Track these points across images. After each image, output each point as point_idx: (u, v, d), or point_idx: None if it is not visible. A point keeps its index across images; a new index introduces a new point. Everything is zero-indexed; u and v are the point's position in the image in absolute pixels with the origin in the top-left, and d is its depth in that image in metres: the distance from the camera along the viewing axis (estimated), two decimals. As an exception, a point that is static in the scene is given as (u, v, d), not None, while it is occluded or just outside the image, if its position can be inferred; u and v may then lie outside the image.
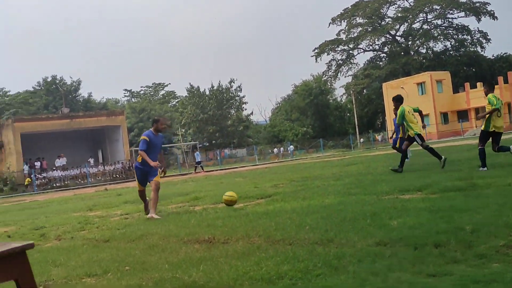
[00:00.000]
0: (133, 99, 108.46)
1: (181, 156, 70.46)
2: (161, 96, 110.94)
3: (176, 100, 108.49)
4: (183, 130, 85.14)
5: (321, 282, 4.12)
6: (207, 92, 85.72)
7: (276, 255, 5.17)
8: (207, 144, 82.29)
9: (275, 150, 77.76)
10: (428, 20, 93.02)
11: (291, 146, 74.18)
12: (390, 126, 72.45)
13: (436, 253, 4.54)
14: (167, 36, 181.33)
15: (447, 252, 4.54)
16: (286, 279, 4.33)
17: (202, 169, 46.54)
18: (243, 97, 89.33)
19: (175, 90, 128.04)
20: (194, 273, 4.85)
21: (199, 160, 48.27)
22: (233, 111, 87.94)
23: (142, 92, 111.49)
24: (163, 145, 11.54)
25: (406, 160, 14.91)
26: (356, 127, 79.38)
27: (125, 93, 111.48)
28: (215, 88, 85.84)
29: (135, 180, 11.38)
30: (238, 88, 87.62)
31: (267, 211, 8.87)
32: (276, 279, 4.36)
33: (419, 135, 13.97)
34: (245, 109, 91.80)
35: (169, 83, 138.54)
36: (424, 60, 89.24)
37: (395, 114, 15.34)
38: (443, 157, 13.17)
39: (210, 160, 74.57)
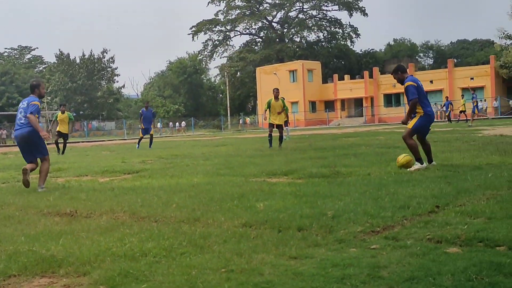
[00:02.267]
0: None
1: (45, 125, 67.48)
2: (26, 60, 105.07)
3: (43, 66, 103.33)
4: (49, 98, 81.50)
5: (185, 261, 4.08)
6: (78, 61, 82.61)
7: (141, 232, 5.08)
8: (74, 114, 79.41)
9: (177, 124, 76.25)
10: (304, 10, 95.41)
11: (183, 122, 73.23)
12: (261, 110, 73.77)
13: (299, 237, 4.65)
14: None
15: (309, 236, 4.65)
16: (149, 256, 4.26)
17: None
18: (116, 69, 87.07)
19: (43, 55, 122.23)
20: (53, 247, 4.65)
21: None
22: (104, 83, 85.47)
23: (5, 54, 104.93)
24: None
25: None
26: (228, 109, 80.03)
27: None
28: (86, 57, 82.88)
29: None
30: (110, 59, 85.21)
31: (134, 187, 8.71)
32: (140, 256, 4.28)
33: None
34: (117, 82, 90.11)
35: (37, 47, 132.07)
36: (297, 49, 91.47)
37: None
38: None
39: (76, 131, 72.06)
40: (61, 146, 21.86)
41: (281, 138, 17.98)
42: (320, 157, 12.78)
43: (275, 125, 17.82)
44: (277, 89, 18.16)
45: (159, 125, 75.02)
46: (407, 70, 10.29)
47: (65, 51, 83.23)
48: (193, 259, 4.12)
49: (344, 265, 3.77)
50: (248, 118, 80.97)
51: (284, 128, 23.36)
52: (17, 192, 8.75)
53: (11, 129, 54.36)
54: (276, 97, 17.85)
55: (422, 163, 9.29)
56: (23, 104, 9.31)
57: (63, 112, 21.99)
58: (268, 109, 17.74)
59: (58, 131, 21.98)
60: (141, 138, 24.63)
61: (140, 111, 24.67)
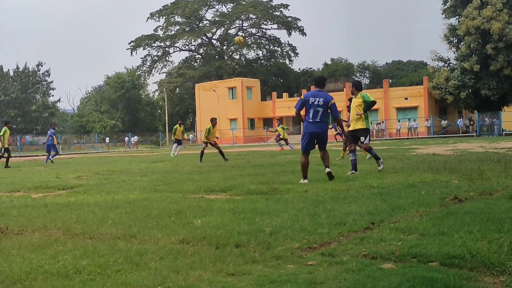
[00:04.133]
0: None
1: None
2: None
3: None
4: (-21, 111, 79.08)
5: (121, 278, 4.01)
6: (11, 73, 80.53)
7: (75, 249, 4.97)
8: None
9: (126, 139, 74.70)
10: (244, 27, 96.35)
11: (135, 137, 71.81)
12: (199, 126, 73.64)
13: (236, 253, 4.65)
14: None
15: (247, 253, 4.66)
16: (84, 274, 4.16)
17: None
18: (51, 82, 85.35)
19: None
20: (-18, 265, 4.48)
21: None
22: (39, 96, 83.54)
23: None
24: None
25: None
26: (166, 124, 79.48)
27: None
28: (20, 69, 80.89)
29: None
30: (46, 73, 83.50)
31: (68, 203, 8.52)
32: (73, 274, 4.17)
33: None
34: (52, 95, 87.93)
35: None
36: (236, 66, 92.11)
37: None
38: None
39: (9, 146, 69.82)
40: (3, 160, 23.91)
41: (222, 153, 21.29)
42: (258, 174, 12.82)
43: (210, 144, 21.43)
44: (215, 119, 21.52)
45: (107, 139, 73.90)
46: (317, 85, 10.73)
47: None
48: (129, 276, 4.06)
49: (281, 282, 3.79)
50: (191, 135, 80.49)
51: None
52: None
53: None
54: (214, 125, 21.26)
55: (304, 180, 10.26)
56: None
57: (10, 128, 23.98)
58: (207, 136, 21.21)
59: None
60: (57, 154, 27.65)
61: (52, 131, 27.81)
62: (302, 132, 10.63)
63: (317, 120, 10.30)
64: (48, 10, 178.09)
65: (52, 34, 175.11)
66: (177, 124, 29.98)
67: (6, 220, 6.85)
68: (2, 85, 78.09)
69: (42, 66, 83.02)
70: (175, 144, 30.00)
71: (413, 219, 5.85)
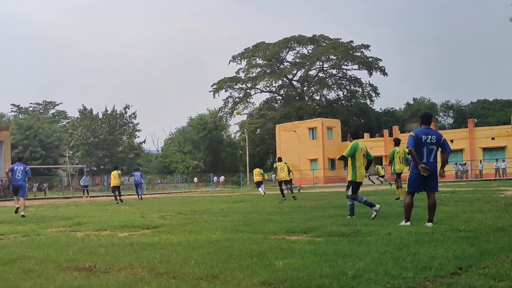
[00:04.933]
0: (20, 115, 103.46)
1: (66, 179, 68.10)
2: (51, 115, 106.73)
3: (66, 121, 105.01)
4: (71, 152, 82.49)
5: (204, 319, 4.04)
6: (100, 116, 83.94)
7: (159, 289, 5.04)
8: (95, 168, 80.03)
9: (215, 178, 76.13)
10: (324, 68, 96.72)
11: (222, 177, 72.84)
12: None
13: (318, 296, 4.59)
14: (61, 53, 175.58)
15: (329, 296, 4.60)
16: (168, 314, 4.22)
17: (84, 194, 46.38)
18: (137, 124, 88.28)
19: (67, 110, 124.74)
20: (71, 302, 4.63)
21: (86, 184, 47.93)
22: (125, 138, 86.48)
23: (31, 108, 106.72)
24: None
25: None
26: (247, 165, 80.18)
27: (12, 108, 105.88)
28: (108, 112, 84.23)
29: (13, 199, 10.86)
30: (132, 115, 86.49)
31: (153, 242, 8.69)
32: (158, 314, 4.24)
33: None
34: (138, 137, 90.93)
35: (61, 103, 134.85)
36: (317, 107, 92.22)
37: None
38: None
39: (96, 185, 72.42)
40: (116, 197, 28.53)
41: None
42: (340, 215, 12.68)
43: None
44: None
45: (195, 179, 75.26)
46: (420, 123, 10.17)
47: (88, 106, 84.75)
48: (212, 318, 4.07)
49: (365, 327, 3.71)
50: (273, 175, 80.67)
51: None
52: (36, 246, 8.76)
53: (33, 182, 55.02)
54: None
55: (406, 222, 9.84)
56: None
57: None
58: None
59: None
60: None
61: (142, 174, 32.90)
62: (411, 172, 9.96)
63: (431, 160, 9.77)
64: (135, 56, 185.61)
65: (139, 79, 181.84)
66: (258, 168, 32.12)
67: (94, 258, 7.06)
68: (92, 127, 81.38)
69: (129, 108, 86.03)
70: (261, 187, 31.07)
71: (503, 265, 5.61)
